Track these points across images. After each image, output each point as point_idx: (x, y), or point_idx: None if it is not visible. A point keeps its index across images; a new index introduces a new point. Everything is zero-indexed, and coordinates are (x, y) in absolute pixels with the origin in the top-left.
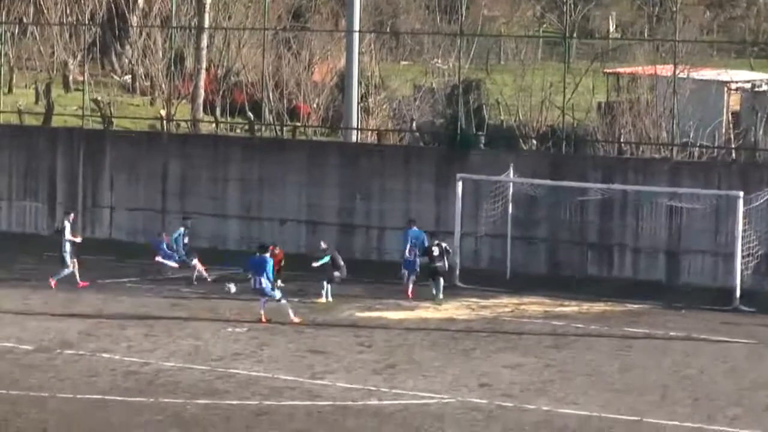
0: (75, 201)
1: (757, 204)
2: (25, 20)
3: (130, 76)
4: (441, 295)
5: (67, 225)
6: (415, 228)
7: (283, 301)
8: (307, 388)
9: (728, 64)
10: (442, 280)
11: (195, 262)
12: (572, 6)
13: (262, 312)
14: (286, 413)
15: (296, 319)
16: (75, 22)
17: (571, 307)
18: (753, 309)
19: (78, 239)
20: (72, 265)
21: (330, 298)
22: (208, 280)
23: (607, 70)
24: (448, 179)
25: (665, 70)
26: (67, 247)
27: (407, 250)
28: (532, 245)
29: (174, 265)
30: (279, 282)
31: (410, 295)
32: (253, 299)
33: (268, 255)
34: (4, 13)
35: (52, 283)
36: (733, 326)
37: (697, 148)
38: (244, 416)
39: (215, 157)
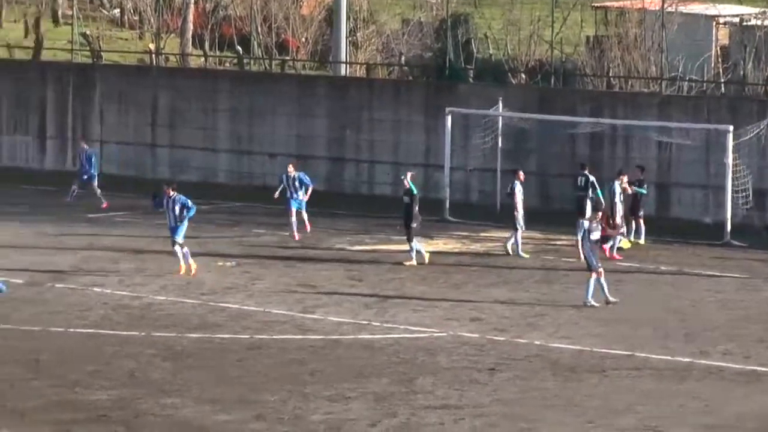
0: (65, 135)
1: (747, 138)
2: None
3: (118, 10)
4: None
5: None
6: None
7: (185, 249)
8: (298, 322)
9: None
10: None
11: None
12: None
13: (182, 263)
14: (277, 347)
15: (182, 271)
16: None
17: (561, 242)
18: (744, 243)
19: None
20: None
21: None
22: None
23: (596, 4)
24: (437, 112)
25: (653, 4)
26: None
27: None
28: None
29: None
30: None
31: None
32: (245, 235)
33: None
34: None
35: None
36: (725, 260)
37: (686, 82)
38: (236, 350)
39: (204, 91)
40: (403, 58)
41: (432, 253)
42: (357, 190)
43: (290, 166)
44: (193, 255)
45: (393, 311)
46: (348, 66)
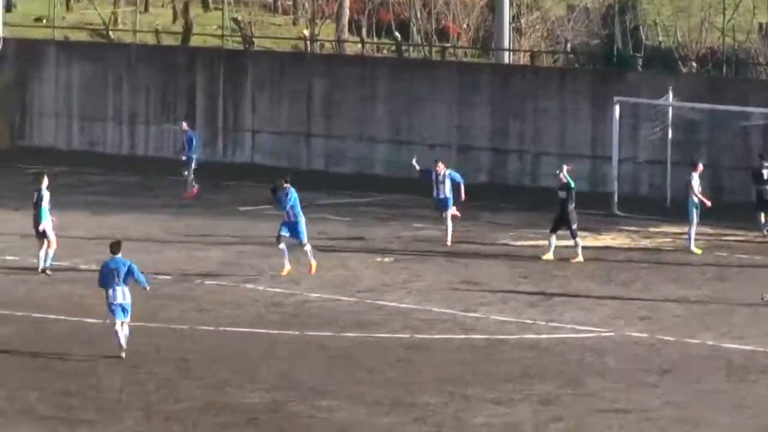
0: (215, 124)
1: None
2: None
3: None
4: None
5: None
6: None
7: (308, 247)
8: (459, 320)
9: None
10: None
11: None
12: None
13: (286, 263)
14: (438, 346)
15: (314, 267)
16: None
17: (734, 237)
18: None
19: None
20: None
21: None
22: None
23: None
24: (604, 101)
25: None
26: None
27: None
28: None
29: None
30: None
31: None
32: (404, 229)
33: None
34: None
35: None
36: None
37: None
38: (394, 349)
39: (361, 79)
40: (568, 45)
41: (599, 248)
42: (520, 182)
43: (440, 163)
44: (349, 250)
45: (559, 310)
46: (511, 53)
